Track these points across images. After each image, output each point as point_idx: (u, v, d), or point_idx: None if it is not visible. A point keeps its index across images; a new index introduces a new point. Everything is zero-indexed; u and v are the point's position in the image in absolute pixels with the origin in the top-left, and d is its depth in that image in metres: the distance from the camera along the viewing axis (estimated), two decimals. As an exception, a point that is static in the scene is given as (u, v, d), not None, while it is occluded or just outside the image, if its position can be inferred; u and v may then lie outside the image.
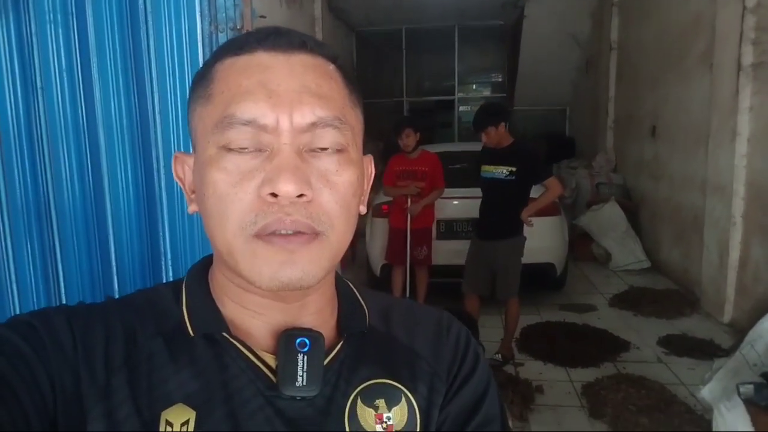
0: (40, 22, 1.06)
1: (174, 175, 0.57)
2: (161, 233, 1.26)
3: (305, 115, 0.47)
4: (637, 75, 6.12)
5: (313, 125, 0.48)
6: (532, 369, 3.36)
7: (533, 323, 3.99)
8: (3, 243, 1.21)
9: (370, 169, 0.59)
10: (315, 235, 0.48)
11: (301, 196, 0.46)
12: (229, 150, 0.47)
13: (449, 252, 4.15)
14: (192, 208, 0.54)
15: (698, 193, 4.48)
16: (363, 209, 0.56)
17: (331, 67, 0.52)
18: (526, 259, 3.35)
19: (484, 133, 3.23)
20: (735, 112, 3.85)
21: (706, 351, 3.49)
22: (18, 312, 1.25)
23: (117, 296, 0.57)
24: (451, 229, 4.33)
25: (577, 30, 7.84)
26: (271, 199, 0.46)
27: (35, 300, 1.27)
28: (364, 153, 0.57)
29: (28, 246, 1.22)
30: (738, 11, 3.81)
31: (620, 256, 5.47)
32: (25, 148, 1.14)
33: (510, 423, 0.77)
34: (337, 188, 0.49)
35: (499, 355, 3.40)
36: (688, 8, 4.72)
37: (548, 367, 3.38)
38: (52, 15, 1.05)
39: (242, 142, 0.47)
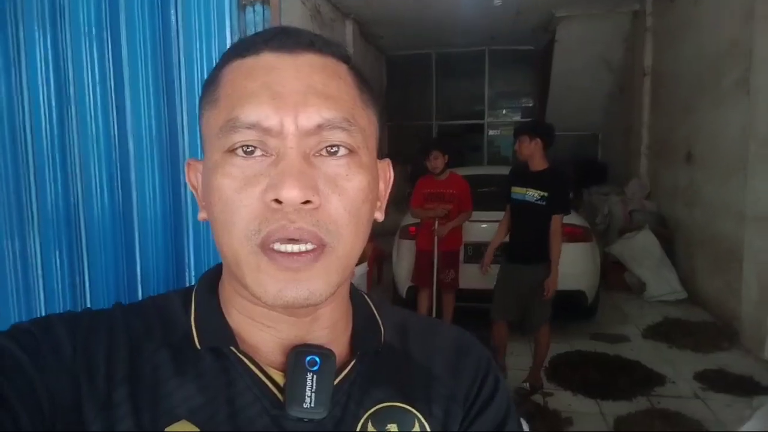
0: (75, 34, 1.09)
1: (188, 182, 0.55)
2: (186, 245, 1.26)
3: (311, 117, 0.45)
4: (671, 100, 6.00)
5: (320, 127, 0.46)
6: (562, 400, 3.25)
7: (563, 352, 3.86)
8: (32, 249, 1.23)
9: (389, 174, 0.57)
10: (321, 248, 0.45)
11: (307, 202, 0.44)
12: (234, 154, 0.46)
13: (476, 276, 4.08)
14: (201, 216, 0.52)
15: (736, 222, 4.31)
16: (380, 216, 0.53)
17: (342, 66, 0.50)
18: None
19: (518, 140, 3.26)
20: (775, 140, 3.73)
21: (745, 388, 3.32)
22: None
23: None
24: (478, 252, 4.25)
25: (610, 55, 7.75)
26: (276, 206, 0.44)
27: (61, 305, 1.28)
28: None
29: (57, 253, 1.24)
30: (778, 36, 3.73)
31: (655, 286, 5.27)
32: (57, 157, 1.17)
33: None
34: (346, 194, 0.46)
35: (527, 384, 3.30)
36: (724, 33, 4.62)
37: (578, 399, 3.26)
38: (87, 28, 1.08)
39: (247, 146, 0.45)
